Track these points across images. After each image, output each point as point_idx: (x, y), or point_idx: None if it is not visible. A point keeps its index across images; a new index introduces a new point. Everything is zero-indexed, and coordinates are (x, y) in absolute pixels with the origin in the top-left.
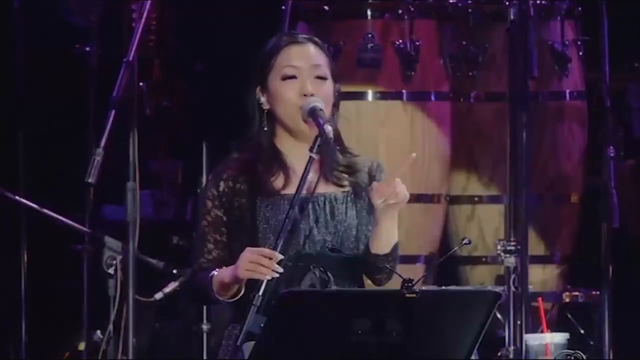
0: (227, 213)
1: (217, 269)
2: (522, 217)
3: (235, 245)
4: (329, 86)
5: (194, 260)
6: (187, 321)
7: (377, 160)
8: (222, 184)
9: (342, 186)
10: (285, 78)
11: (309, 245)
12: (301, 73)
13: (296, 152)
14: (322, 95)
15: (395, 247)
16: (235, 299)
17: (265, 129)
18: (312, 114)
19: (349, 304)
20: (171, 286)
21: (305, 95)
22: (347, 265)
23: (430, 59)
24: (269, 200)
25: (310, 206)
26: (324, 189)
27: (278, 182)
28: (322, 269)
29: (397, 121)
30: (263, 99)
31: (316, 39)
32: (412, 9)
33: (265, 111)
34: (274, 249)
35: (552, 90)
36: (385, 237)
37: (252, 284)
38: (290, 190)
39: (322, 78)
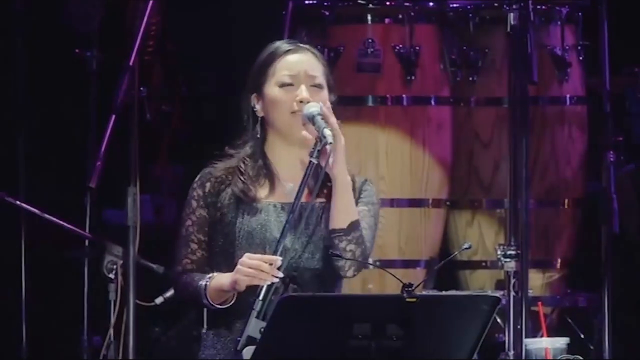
0: (210, 213)
1: (209, 276)
2: (522, 221)
3: (212, 245)
4: (324, 95)
5: (178, 262)
6: (186, 326)
7: (366, 177)
8: (208, 184)
9: (318, 195)
10: (282, 85)
11: (281, 255)
12: (298, 81)
13: (286, 159)
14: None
15: (353, 226)
16: (225, 306)
17: (258, 136)
18: (312, 119)
19: (349, 309)
20: (171, 291)
21: (301, 101)
22: (318, 275)
23: (431, 63)
24: (251, 207)
25: (285, 216)
26: (302, 197)
27: (262, 189)
28: (291, 278)
29: (397, 126)
30: (258, 107)
31: (313, 48)
32: (412, 13)
33: (259, 118)
34: (274, 253)
35: (552, 95)
36: (342, 212)
37: (248, 291)
38: (273, 198)
39: (318, 87)
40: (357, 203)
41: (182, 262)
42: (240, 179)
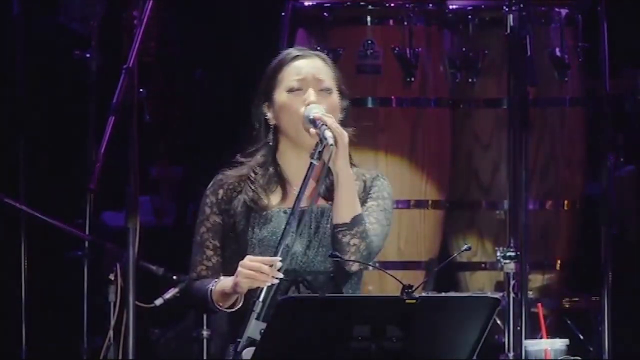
0: (224, 219)
1: (215, 280)
2: (521, 223)
3: (226, 251)
4: (334, 99)
5: (193, 268)
6: (186, 327)
7: (378, 172)
8: (221, 191)
9: (331, 199)
10: (291, 90)
11: (291, 259)
12: (306, 85)
13: (297, 168)
14: (327, 107)
15: (356, 220)
16: (234, 309)
17: (271, 143)
18: (312, 121)
19: (348, 310)
20: (171, 292)
21: (308, 104)
22: (333, 278)
23: (430, 65)
24: (263, 214)
25: (295, 220)
26: (311, 193)
27: (274, 196)
28: (305, 283)
29: (397, 127)
30: (269, 115)
31: (322, 54)
32: (411, 15)
33: (272, 126)
34: (274, 255)
35: (552, 96)
36: (345, 206)
37: (252, 293)
38: (286, 205)
39: (326, 91)
40: (367, 199)
41: (197, 268)
42: (251, 188)
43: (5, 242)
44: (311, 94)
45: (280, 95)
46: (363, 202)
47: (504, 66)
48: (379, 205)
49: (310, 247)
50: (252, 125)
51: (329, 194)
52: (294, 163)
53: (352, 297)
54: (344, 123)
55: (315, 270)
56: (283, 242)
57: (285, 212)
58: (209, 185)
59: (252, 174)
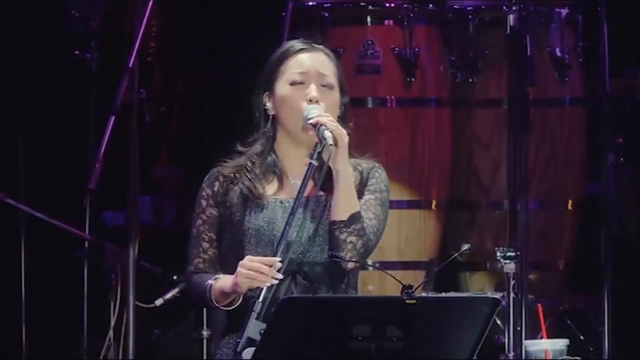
0: (220, 212)
1: (215, 277)
2: (521, 223)
3: (222, 244)
4: (334, 96)
5: (190, 261)
6: (186, 327)
7: (375, 161)
8: (216, 184)
9: (327, 189)
10: (294, 83)
11: (285, 251)
12: (309, 79)
13: (294, 159)
14: (327, 104)
15: (354, 218)
16: (232, 307)
17: (269, 134)
18: (311, 123)
19: (348, 310)
20: (171, 292)
21: (310, 100)
22: (329, 269)
23: (430, 65)
24: (259, 203)
25: (295, 219)
26: (310, 191)
27: (270, 187)
28: (302, 273)
29: (397, 128)
30: (269, 105)
31: (326, 49)
32: (411, 15)
33: (270, 117)
34: (274, 254)
35: (552, 96)
36: (343, 203)
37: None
38: (281, 195)
39: (328, 87)
40: (363, 192)
41: (194, 261)
42: (248, 177)
43: (5, 242)
44: (313, 89)
45: (282, 88)
46: (360, 194)
47: (504, 66)
48: (376, 199)
49: (308, 237)
50: (251, 115)
51: (326, 185)
52: (292, 154)
53: (352, 297)
54: (342, 120)
55: (312, 260)
56: (283, 241)
57: (281, 202)
58: (205, 177)
59: (249, 163)
